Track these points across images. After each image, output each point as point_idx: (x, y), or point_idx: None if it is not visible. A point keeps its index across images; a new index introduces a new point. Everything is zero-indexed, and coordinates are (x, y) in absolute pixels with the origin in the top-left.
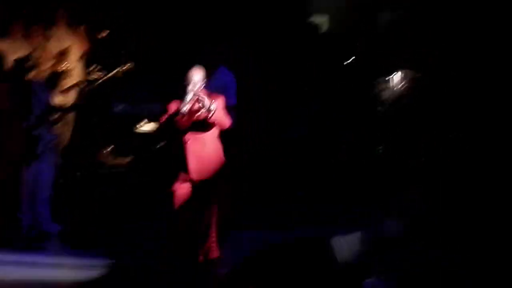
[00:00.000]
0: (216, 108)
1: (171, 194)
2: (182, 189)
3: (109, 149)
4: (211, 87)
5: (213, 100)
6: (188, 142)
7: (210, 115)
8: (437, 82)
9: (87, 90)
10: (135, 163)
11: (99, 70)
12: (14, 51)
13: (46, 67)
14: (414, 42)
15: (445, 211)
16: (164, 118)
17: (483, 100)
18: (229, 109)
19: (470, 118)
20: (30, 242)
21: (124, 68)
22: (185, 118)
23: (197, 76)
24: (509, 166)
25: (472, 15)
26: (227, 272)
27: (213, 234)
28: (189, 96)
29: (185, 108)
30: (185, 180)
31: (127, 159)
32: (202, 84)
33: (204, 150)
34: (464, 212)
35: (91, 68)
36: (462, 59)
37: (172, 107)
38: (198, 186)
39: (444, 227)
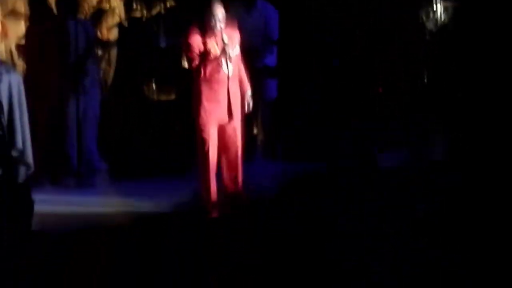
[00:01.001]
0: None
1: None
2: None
3: (153, 85)
4: (246, 24)
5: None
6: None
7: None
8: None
9: (131, 26)
10: (179, 98)
11: (142, 7)
12: None
13: (90, 4)
14: None
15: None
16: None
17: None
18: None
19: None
20: (80, 178)
21: (166, 3)
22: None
23: (220, 12)
24: None
25: None
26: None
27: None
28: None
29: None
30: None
31: (172, 94)
32: (226, 22)
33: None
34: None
35: (134, 5)
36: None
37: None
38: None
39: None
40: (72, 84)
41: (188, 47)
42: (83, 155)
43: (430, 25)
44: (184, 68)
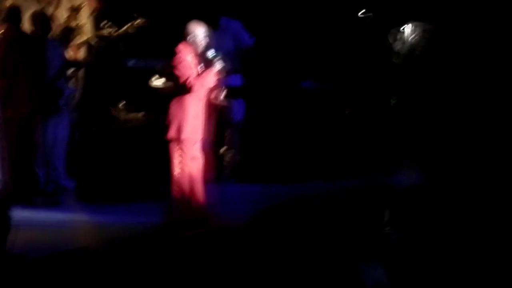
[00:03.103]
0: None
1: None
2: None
3: (121, 105)
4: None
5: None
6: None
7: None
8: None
9: (98, 46)
10: (147, 118)
11: (110, 26)
12: (28, 7)
13: (58, 23)
14: None
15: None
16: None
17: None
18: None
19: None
20: (47, 197)
21: (135, 23)
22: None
23: (200, 31)
24: None
25: None
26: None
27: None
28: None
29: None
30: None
31: (140, 115)
32: (207, 41)
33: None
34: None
35: (102, 24)
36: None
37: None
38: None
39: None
40: (42, 104)
41: (181, 64)
42: (50, 174)
43: (397, 46)
44: (157, 88)
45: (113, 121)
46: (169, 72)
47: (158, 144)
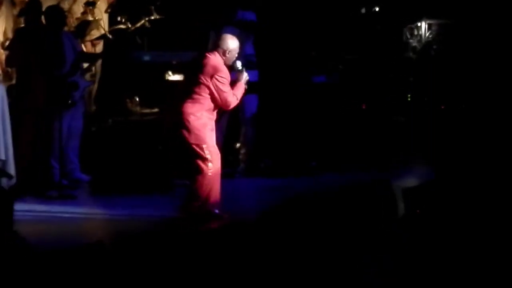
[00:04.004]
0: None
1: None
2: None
3: (137, 98)
4: None
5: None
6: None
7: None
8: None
9: (115, 40)
10: (163, 111)
11: (127, 20)
12: (45, 1)
13: (75, 18)
14: None
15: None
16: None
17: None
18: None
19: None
20: (62, 190)
21: (151, 17)
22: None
23: (235, 45)
24: None
25: None
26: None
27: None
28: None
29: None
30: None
31: (156, 109)
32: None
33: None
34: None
35: (118, 18)
36: None
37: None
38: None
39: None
40: (58, 96)
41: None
42: (65, 167)
43: (413, 42)
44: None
45: (128, 114)
46: (185, 70)
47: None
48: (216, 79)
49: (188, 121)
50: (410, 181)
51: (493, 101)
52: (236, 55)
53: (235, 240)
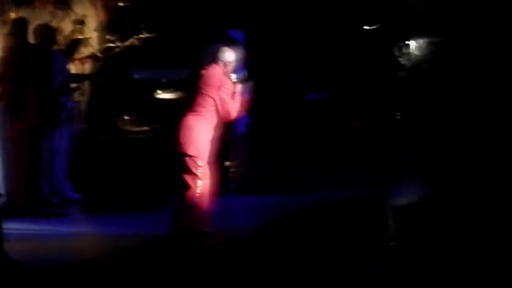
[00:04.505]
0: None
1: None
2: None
3: (127, 117)
4: None
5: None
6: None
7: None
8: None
9: (104, 58)
10: (154, 129)
11: (117, 39)
12: (34, 19)
13: (64, 36)
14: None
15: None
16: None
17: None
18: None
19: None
20: (53, 209)
21: (141, 36)
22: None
23: (227, 55)
24: None
25: None
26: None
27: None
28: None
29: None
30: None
31: (146, 127)
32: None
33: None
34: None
35: (108, 37)
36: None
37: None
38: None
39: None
40: (47, 116)
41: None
42: (55, 186)
43: (403, 60)
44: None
45: (119, 132)
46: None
47: (164, 155)
48: (222, 91)
49: (191, 134)
50: (401, 199)
51: (484, 116)
52: (233, 66)
53: (227, 258)
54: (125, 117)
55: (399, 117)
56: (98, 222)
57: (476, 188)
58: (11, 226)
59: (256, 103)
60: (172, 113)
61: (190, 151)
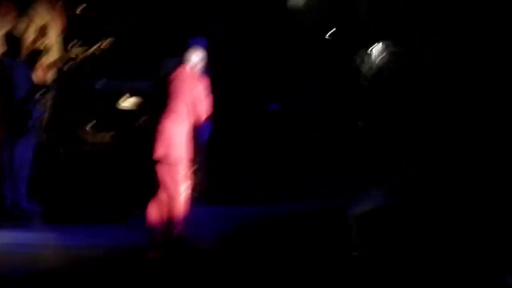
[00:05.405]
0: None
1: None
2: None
3: (90, 126)
4: None
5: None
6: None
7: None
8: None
9: (67, 67)
10: (116, 140)
11: (79, 47)
12: None
13: (26, 45)
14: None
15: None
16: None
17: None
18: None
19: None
20: (14, 220)
21: (103, 44)
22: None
23: (196, 56)
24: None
25: None
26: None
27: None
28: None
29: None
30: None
31: (108, 136)
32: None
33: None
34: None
35: (70, 45)
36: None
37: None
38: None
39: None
40: (11, 125)
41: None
42: (15, 197)
43: (364, 69)
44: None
45: (80, 143)
46: (150, 92)
47: (126, 165)
48: (196, 92)
49: (170, 140)
50: (363, 207)
51: (477, 118)
52: (199, 65)
53: (189, 267)
54: (87, 128)
55: (361, 126)
56: (58, 233)
57: (469, 188)
58: None
59: (218, 111)
60: (135, 122)
61: (171, 157)
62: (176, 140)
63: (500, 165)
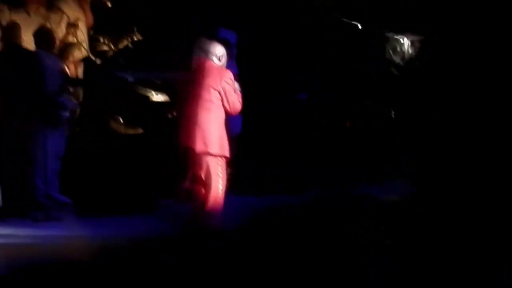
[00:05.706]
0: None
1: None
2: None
3: (120, 119)
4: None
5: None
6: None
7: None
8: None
9: (98, 59)
10: (148, 131)
11: (109, 41)
12: (26, 24)
13: (58, 38)
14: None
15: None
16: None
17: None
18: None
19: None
20: (47, 212)
21: (132, 37)
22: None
23: (220, 50)
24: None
25: None
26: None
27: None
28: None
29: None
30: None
31: (140, 128)
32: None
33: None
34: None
35: (100, 39)
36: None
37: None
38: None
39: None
40: (42, 118)
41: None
42: (48, 188)
43: (397, 59)
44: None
45: (112, 135)
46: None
47: (155, 157)
48: (226, 82)
49: (207, 132)
50: (385, 197)
51: (477, 117)
52: (222, 60)
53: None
54: (119, 120)
55: (393, 115)
56: (90, 225)
57: (467, 187)
58: (4, 232)
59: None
60: (167, 114)
61: (211, 150)
62: (215, 133)
63: (500, 165)
